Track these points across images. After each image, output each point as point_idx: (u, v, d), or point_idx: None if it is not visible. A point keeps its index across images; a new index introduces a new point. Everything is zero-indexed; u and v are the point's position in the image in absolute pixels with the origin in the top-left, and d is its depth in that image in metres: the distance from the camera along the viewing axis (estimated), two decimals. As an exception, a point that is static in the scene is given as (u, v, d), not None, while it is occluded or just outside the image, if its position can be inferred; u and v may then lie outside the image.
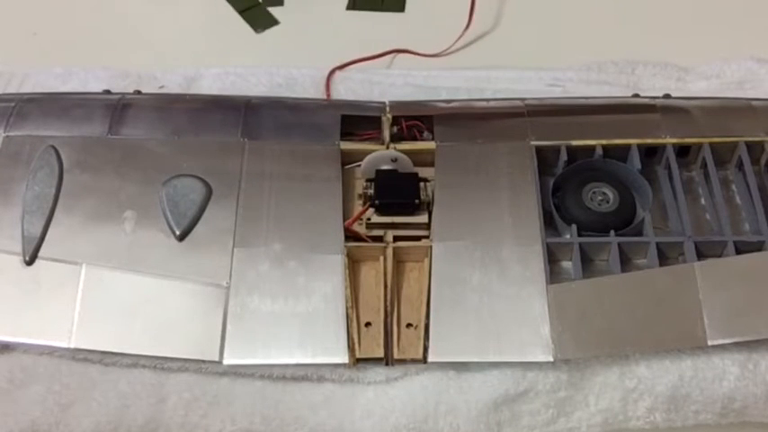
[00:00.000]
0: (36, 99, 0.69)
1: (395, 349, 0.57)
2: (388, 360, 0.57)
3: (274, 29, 0.82)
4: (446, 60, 0.79)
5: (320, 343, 0.57)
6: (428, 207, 0.63)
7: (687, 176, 0.67)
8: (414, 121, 0.68)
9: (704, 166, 0.66)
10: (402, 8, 0.84)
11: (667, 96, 0.70)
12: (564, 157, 0.65)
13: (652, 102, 0.69)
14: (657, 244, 0.61)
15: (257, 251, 0.60)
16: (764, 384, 0.57)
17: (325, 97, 0.73)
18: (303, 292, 0.59)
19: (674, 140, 0.66)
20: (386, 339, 0.58)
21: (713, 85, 0.74)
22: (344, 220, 0.62)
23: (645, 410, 0.57)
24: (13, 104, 0.67)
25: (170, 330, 0.58)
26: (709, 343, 0.56)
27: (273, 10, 0.84)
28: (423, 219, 0.63)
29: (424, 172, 0.65)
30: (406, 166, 0.66)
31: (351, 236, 0.62)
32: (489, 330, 0.57)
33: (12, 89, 0.73)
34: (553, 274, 0.60)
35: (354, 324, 0.58)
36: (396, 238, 0.62)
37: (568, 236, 0.62)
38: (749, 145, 0.66)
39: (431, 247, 0.61)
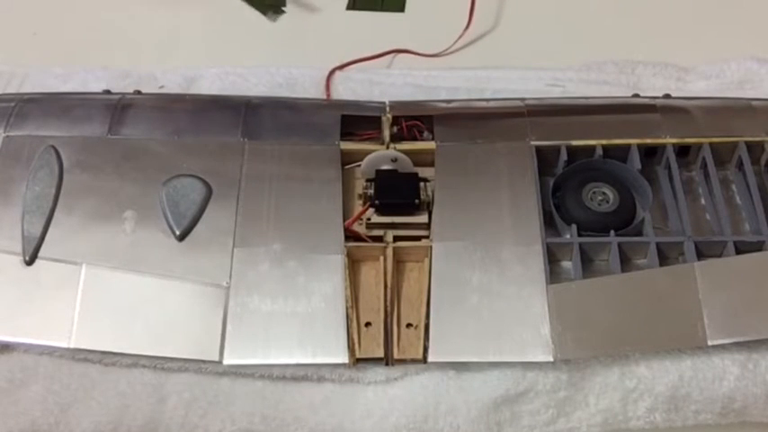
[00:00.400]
0: (36, 99, 0.69)
1: (395, 349, 0.57)
2: (388, 360, 0.57)
3: (275, 29, 0.82)
4: (446, 60, 0.79)
5: (320, 343, 0.57)
6: (428, 207, 0.63)
7: (687, 176, 0.67)
8: (414, 121, 0.68)
9: (704, 166, 0.66)
10: (402, 8, 0.84)
11: (667, 96, 0.70)
12: (564, 157, 0.65)
13: (652, 102, 0.69)
14: (657, 244, 0.61)
15: (257, 251, 0.60)
16: (764, 384, 0.57)
17: (325, 97, 0.73)
18: (303, 292, 0.59)
19: (674, 140, 0.66)
20: (386, 339, 0.58)
21: (713, 85, 0.74)
22: (344, 220, 0.62)
23: (645, 410, 0.57)
24: (13, 104, 0.67)
25: (170, 330, 0.58)
26: (710, 343, 0.56)
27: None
28: (423, 219, 0.63)
29: (424, 172, 0.65)
30: (406, 166, 0.66)
31: (351, 236, 0.62)
32: (489, 330, 0.57)
33: (12, 89, 0.73)
34: (553, 274, 0.60)
35: (354, 324, 0.58)
36: (396, 238, 0.62)
37: (568, 236, 0.62)
38: (749, 145, 0.66)
39: (431, 247, 0.61)
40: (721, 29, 0.81)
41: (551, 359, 0.56)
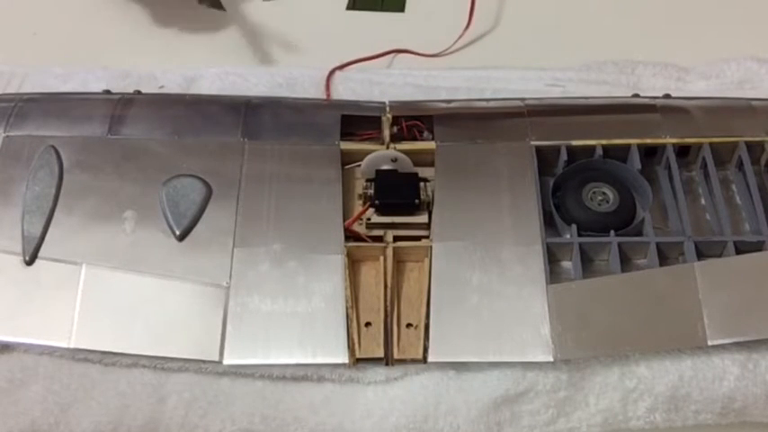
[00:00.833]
0: (36, 99, 0.69)
1: (395, 349, 0.57)
2: (388, 360, 0.57)
3: (275, 29, 0.82)
4: (446, 60, 0.79)
5: (320, 343, 0.57)
6: (428, 207, 0.63)
7: (687, 176, 0.67)
8: (414, 121, 0.68)
9: (704, 166, 0.66)
10: (402, 8, 0.84)
11: (667, 96, 0.70)
12: (564, 157, 0.65)
13: (652, 102, 0.69)
14: (657, 244, 0.61)
15: (257, 251, 0.60)
16: (764, 384, 0.57)
17: (325, 97, 0.73)
18: (303, 292, 0.59)
19: (674, 140, 0.66)
20: (386, 339, 0.58)
21: (713, 85, 0.74)
22: (344, 220, 0.62)
23: (645, 410, 0.57)
24: (13, 104, 0.67)
25: (170, 330, 0.58)
26: (710, 343, 0.56)
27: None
28: (423, 219, 0.63)
29: (424, 172, 0.65)
30: (406, 166, 0.66)
31: (351, 236, 0.62)
32: (489, 330, 0.57)
33: (12, 89, 0.73)
34: (553, 274, 0.60)
35: (354, 324, 0.58)
36: (396, 238, 0.62)
37: (568, 236, 0.62)
38: (749, 145, 0.65)
39: (431, 247, 0.61)
40: (721, 29, 0.81)
41: (551, 359, 0.56)
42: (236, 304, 0.58)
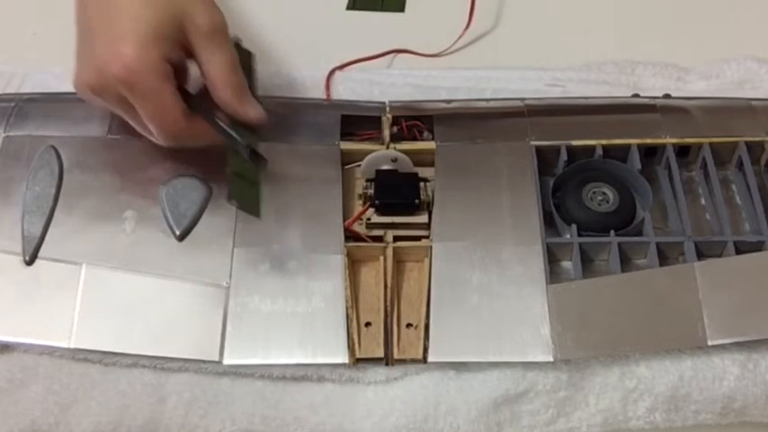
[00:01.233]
0: (36, 99, 0.69)
1: (395, 349, 0.57)
2: (388, 360, 0.57)
3: (274, 28, 0.82)
4: (446, 60, 0.79)
5: (320, 343, 0.57)
6: (428, 207, 0.63)
7: (687, 176, 0.67)
8: (414, 121, 0.68)
9: (704, 166, 0.66)
10: (402, 8, 0.84)
11: (667, 96, 0.70)
12: (564, 157, 0.65)
13: (652, 102, 0.69)
14: (657, 244, 0.61)
15: (257, 251, 0.60)
16: (764, 384, 0.57)
17: (325, 97, 0.73)
18: (303, 292, 0.59)
19: (674, 140, 0.66)
20: (386, 339, 0.58)
21: (713, 85, 0.74)
22: (344, 220, 0.62)
23: (645, 410, 0.57)
24: (13, 104, 0.67)
25: (170, 330, 0.58)
26: (710, 343, 0.56)
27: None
28: (423, 219, 0.63)
29: (424, 172, 0.65)
30: (406, 166, 0.66)
31: (351, 236, 0.62)
32: (489, 330, 0.57)
33: (12, 89, 0.73)
34: (553, 274, 0.60)
35: (354, 324, 0.58)
36: (396, 238, 0.62)
37: (568, 236, 0.62)
38: (749, 145, 0.66)
39: (431, 247, 0.61)
40: (721, 29, 0.81)
41: (551, 359, 0.56)
42: (236, 304, 0.58)
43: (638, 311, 0.58)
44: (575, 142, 0.66)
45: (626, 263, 0.61)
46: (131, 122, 0.60)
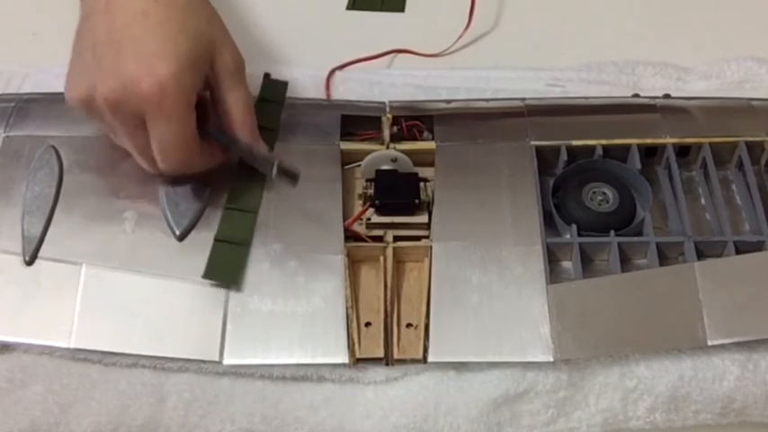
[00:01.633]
0: (36, 99, 0.69)
1: (395, 349, 0.57)
2: (388, 360, 0.57)
3: (275, 28, 0.82)
4: (446, 60, 0.79)
5: (320, 343, 0.57)
6: (428, 207, 0.63)
7: (687, 176, 0.67)
8: (414, 121, 0.68)
9: (704, 166, 0.66)
10: (402, 8, 0.84)
11: (667, 96, 0.70)
12: (564, 157, 0.65)
13: (652, 102, 0.69)
14: (657, 244, 0.61)
15: (257, 251, 0.60)
16: (764, 384, 0.57)
17: (325, 97, 0.73)
18: (303, 292, 0.59)
19: (674, 140, 0.66)
20: (386, 339, 0.58)
21: (713, 85, 0.74)
22: (344, 220, 0.62)
23: (645, 410, 0.57)
24: (13, 104, 0.67)
25: (170, 330, 0.57)
26: (709, 343, 0.56)
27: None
28: (423, 219, 0.63)
29: (424, 172, 0.65)
30: (406, 166, 0.66)
31: (351, 236, 0.62)
32: (489, 330, 0.57)
33: (12, 89, 0.73)
34: (553, 274, 0.60)
35: (354, 324, 0.58)
36: (396, 238, 0.62)
37: (568, 236, 0.62)
38: (749, 145, 0.66)
39: (431, 247, 0.61)
40: (721, 29, 0.81)
41: (551, 359, 0.56)
42: (236, 304, 0.58)
43: (638, 311, 0.58)
44: (575, 142, 0.66)
45: (626, 263, 0.61)
46: (127, 144, 0.59)
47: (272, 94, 0.69)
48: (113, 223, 0.61)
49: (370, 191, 0.63)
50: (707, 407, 0.57)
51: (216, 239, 0.60)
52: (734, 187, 0.66)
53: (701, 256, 0.60)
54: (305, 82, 0.74)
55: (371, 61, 0.77)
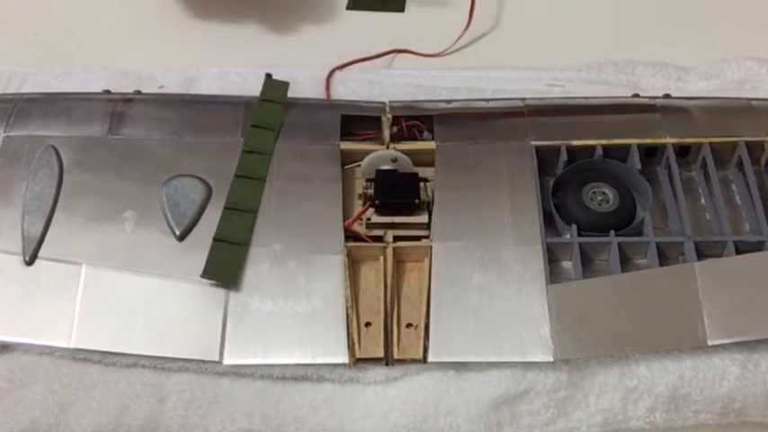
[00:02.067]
0: (36, 99, 0.69)
1: (395, 349, 0.57)
2: (388, 360, 0.57)
3: (275, 28, 0.82)
4: (446, 60, 0.79)
5: (320, 343, 0.57)
6: (428, 207, 0.63)
7: (687, 176, 0.67)
8: (414, 121, 0.68)
9: (704, 166, 0.66)
10: (402, 8, 0.84)
11: (667, 96, 0.70)
12: (564, 157, 0.65)
13: (652, 102, 0.69)
14: (657, 244, 0.61)
15: (257, 251, 0.60)
16: (764, 384, 0.57)
17: (325, 97, 0.73)
18: (303, 292, 0.59)
19: (674, 140, 0.66)
20: (386, 339, 0.58)
21: (713, 85, 0.74)
22: (344, 220, 0.62)
23: (645, 410, 0.57)
24: (13, 104, 0.67)
25: (170, 330, 0.57)
26: (709, 343, 0.56)
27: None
28: (423, 219, 0.63)
29: (424, 172, 0.65)
30: (406, 166, 0.66)
31: (351, 236, 0.62)
32: (489, 330, 0.57)
33: (12, 89, 0.73)
34: (553, 274, 0.60)
35: (354, 324, 0.58)
36: (396, 238, 0.62)
37: (568, 236, 0.62)
38: (749, 145, 0.66)
39: (431, 247, 0.61)
40: (721, 29, 0.81)
41: (551, 359, 0.56)
42: (236, 304, 0.58)
43: (638, 311, 0.58)
44: (575, 142, 0.66)
45: (626, 263, 0.61)
46: None
47: (273, 95, 0.69)
48: (113, 223, 0.61)
49: (370, 191, 0.63)
50: (707, 407, 0.57)
51: (215, 239, 0.60)
52: (734, 187, 0.66)
53: (701, 256, 0.60)
54: (305, 82, 0.74)
55: (371, 61, 0.77)
